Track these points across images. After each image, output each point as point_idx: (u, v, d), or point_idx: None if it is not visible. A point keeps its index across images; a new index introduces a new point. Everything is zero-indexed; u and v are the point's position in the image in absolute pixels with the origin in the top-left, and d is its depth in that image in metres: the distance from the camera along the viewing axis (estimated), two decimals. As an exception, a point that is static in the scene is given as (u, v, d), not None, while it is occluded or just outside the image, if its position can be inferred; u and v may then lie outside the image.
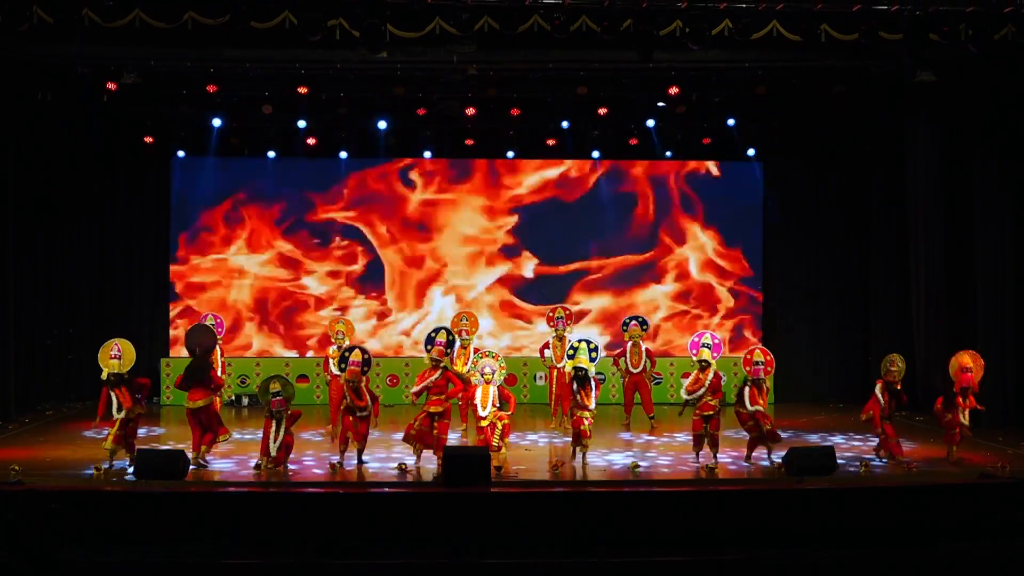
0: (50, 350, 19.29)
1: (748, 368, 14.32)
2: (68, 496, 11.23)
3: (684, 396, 14.34)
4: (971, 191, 17.26)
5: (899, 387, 14.29)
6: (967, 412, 14.12)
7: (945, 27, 14.15)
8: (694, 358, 14.28)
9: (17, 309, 17.48)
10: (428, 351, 14.30)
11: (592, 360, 14.29)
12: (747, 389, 14.11)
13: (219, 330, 16.60)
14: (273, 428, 13.42)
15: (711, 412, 13.89)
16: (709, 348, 14.20)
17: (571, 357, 14.41)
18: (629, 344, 17.00)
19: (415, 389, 13.95)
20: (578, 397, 14.00)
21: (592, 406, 13.99)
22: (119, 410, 13.57)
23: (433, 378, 13.76)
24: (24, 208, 17.97)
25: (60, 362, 19.51)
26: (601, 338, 20.16)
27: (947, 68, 15.89)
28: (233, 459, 14.24)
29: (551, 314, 17.59)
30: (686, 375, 14.52)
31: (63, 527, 10.87)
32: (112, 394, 13.60)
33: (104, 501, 11.51)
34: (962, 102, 17.14)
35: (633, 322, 17.24)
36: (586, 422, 13.90)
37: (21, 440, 15.50)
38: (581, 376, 14.00)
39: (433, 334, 14.30)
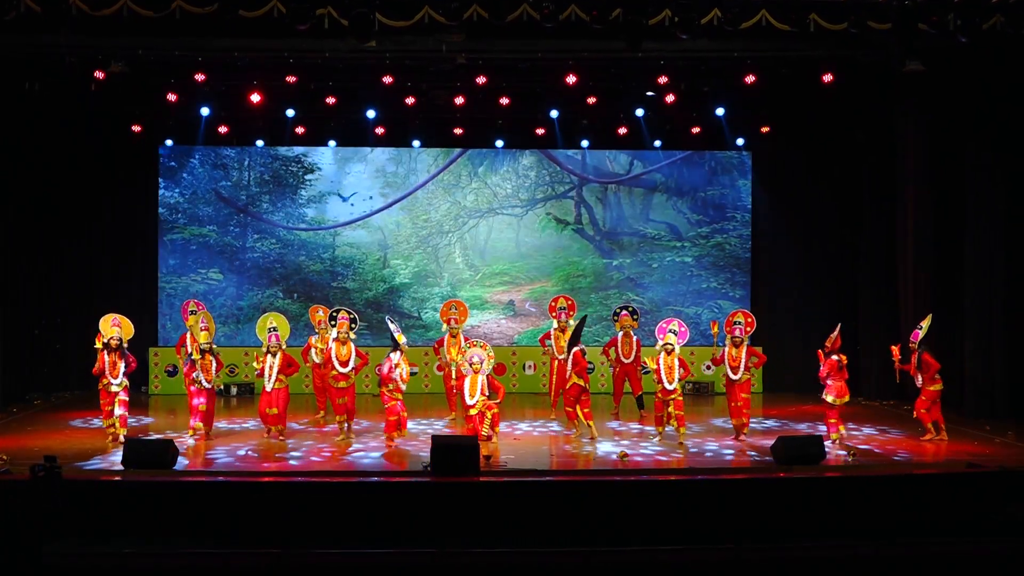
0: (38, 340, 19.21)
1: (728, 328, 15.05)
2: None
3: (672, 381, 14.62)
4: (962, 182, 17.21)
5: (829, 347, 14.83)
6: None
7: (934, 17, 14.12)
8: (660, 342, 14.79)
9: (3, 299, 17.44)
10: (333, 325, 15.00)
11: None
12: (725, 350, 14.88)
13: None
14: (267, 362, 14.28)
15: (673, 395, 14.52)
16: (675, 334, 14.80)
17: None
18: (620, 334, 16.95)
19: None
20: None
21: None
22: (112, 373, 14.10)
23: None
24: (11, 198, 17.90)
25: (49, 352, 19.44)
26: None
27: (936, 58, 15.88)
28: (223, 448, 14.22)
29: (553, 304, 17.48)
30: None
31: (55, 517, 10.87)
32: (108, 358, 14.16)
33: (92, 491, 11.50)
34: (952, 92, 17.11)
35: (624, 312, 17.14)
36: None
37: (9, 430, 15.46)
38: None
39: (335, 313, 15.13)
